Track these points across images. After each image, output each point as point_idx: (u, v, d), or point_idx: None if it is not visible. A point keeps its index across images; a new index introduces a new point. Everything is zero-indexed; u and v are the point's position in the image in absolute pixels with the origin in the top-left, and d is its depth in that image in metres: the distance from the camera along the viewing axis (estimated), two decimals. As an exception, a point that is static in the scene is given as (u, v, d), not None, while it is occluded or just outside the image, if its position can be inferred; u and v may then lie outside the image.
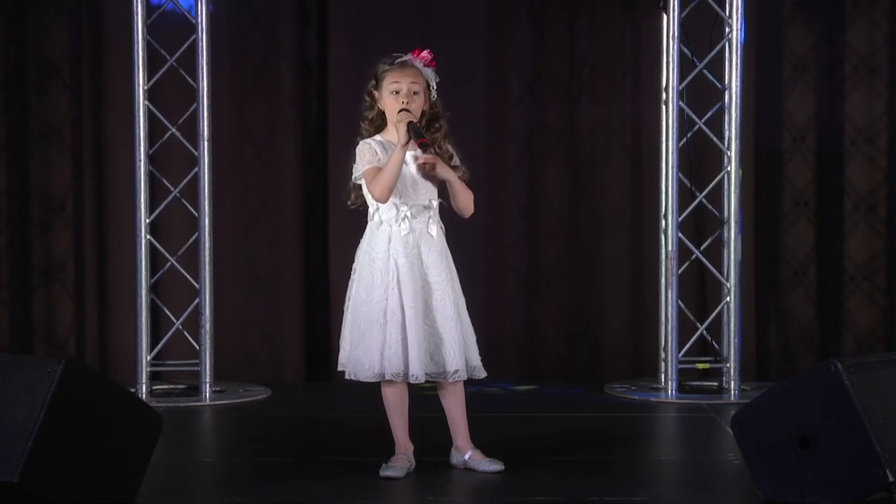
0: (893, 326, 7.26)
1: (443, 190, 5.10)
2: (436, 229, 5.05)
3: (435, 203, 5.07)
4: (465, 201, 5.07)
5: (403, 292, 4.97)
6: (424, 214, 5.04)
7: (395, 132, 5.02)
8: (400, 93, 5.01)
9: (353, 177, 5.07)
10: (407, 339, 4.96)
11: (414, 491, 4.90)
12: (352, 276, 5.10)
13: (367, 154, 5.01)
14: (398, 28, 7.22)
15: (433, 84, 5.08)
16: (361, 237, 5.11)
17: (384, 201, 4.97)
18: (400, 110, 4.98)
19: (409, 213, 5.01)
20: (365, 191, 5.05)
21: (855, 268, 7.30)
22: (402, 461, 5.05)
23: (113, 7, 7.06)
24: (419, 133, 4.93)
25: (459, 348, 5.01)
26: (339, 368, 5.14)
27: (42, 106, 7.19)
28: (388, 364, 4.97)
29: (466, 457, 5.11)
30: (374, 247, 5.02)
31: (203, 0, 6.64)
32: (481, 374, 5.12)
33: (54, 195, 7.22)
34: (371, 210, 5.07)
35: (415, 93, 5.01)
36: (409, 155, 5.00)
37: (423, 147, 4.95)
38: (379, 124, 5.09)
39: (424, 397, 5.27)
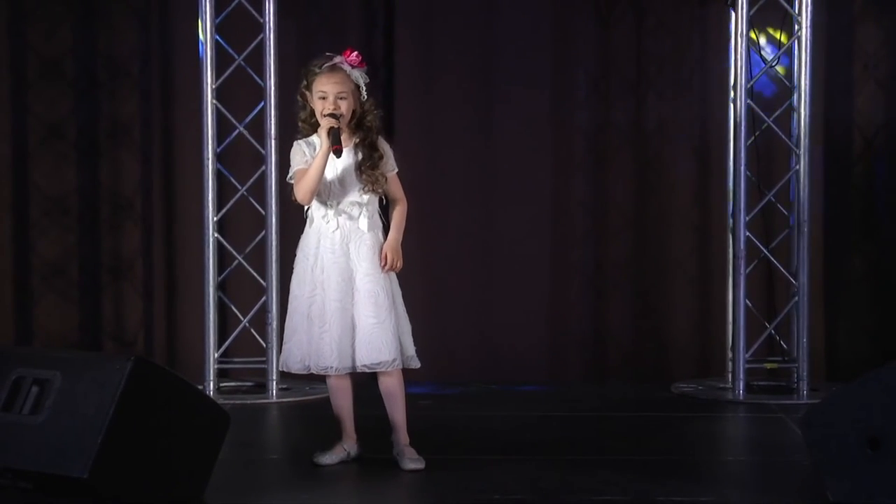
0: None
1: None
2: (367, 223, 5.11)
3: (366, 198, 5.11)
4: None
5: (328, 289, 5.07)
6: (355, 210, 5.10)
7: (324, 135, 5.08)
8: (327, 99, 5.07)
9: (287, 177, 5.18)
10: (333, 334, 5.04)
11: (474, 490, 4.87)
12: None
13: (298, 155, 5.12)
14: (464, 28, 7.22)
15: (362, 85, 5.12)
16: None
17: (306, 203, 5.11)
18: (326, 115, 5.04)
19: (336, 211, 5.10)
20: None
21: (926, 267, 7.22)
22: (339, 451, 5.19)
23: (181, 7, 7.11)
24: (336, 139, 5.01)
25: (389, 340, 5.05)
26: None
27: (112, 105, 7.25)
28: (315, 358, 5.08)
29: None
30: (307, 243, 5.15)
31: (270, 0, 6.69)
32: (415, 363, 5.17)
33: (123, 193, 7.28)
34: (305, 208, 5.17)
35: (342, 98, 5.07)
36: (346, 156, 5.08)
37: (336, 153, 5.03)
38: (314, 124, 5.15)
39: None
